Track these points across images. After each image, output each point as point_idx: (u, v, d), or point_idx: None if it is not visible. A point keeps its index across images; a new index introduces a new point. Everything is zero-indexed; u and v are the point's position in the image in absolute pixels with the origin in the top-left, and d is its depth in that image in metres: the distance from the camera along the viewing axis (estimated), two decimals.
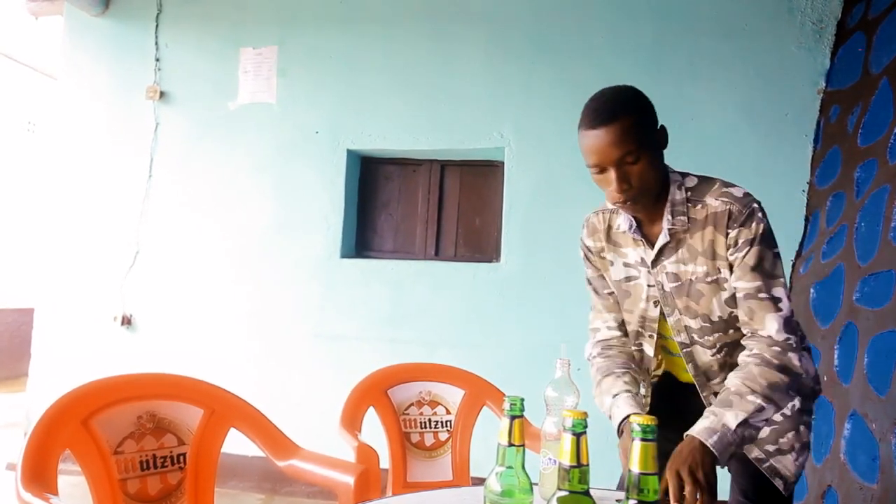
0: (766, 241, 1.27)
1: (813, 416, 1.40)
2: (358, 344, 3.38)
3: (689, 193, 1.33)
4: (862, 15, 2.89)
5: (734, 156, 3.05)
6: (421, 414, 2.05)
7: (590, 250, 1.50)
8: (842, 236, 2.58)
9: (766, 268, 1.26)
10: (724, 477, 1.23)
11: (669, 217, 1.32)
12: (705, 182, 1.34)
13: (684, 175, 1.36)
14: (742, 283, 1.28)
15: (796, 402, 1.36)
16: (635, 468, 0.82)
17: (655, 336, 1.42)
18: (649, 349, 1.44)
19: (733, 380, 1.25)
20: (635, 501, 0.81)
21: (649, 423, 0.81)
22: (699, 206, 1.31)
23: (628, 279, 1.43)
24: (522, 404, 0.94)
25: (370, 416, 1.94)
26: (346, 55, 3.53)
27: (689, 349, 1.39)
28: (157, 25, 3.73)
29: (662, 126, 1.32)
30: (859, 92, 2.75)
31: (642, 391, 1.46)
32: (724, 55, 3.13)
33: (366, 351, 3.33)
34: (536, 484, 1.08)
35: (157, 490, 1.41)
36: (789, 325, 1.26)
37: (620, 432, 1.31)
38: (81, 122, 3.77)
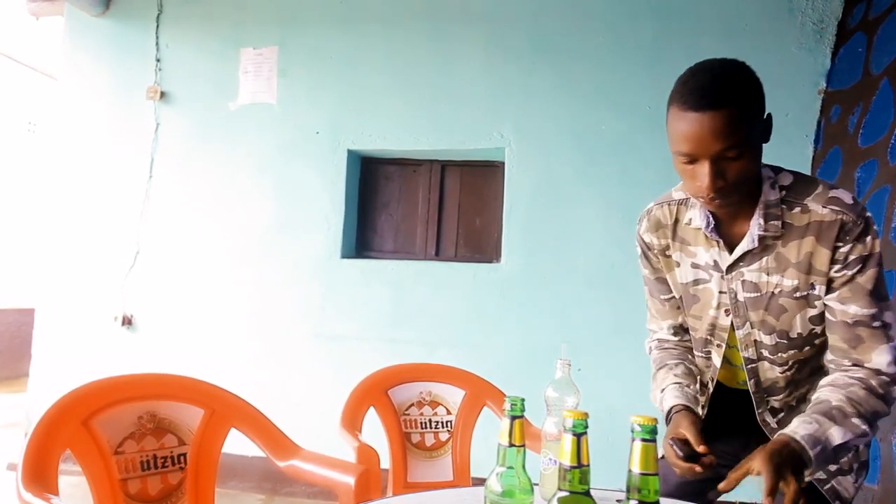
0: (880, 259, 1.13)
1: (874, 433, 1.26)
2: (358, 344, 3.38)
3: (783, 193, 1.17)
4: (863, 15, 2.89)
5: None
6: (421, 414, 2.05)
7: (650, 247, 1.34)
8: None
9: (881, 291, 1.13)
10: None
11: (761, 221, 1.15)
12: (804, 182, 1.18)
13: (777, 170, 1.20)
14: (854, 307, 1.12)
15: None
16: (636, 468, 0.81)
17: (724, 346, 1.28)
18: (717, 359, 1.30)
19: (836, 394, 1.12)
20: (636, 502, 0.81)
21: (649, 423, 0.81)
22: (797, 210, 1.14)
23: (696, 282, 1.28)
24: (523, 404, 0.94)
25: (370, 417, 1.94)
26: (347, 55, 3.54)
27: (754, 365, 1.26)
28: (157, 26, 3.73)
29: (769, 114, 1.15)
30: (860, 92, 2.75)
31: (701, 400, 1.34)
32: (724, 55, 3.11)
33: (366, 351, 3.34)
34: (537, 484, 1.07)
35: (157, 490, 1.41)
36: None
37: (668, 422, 1.25)
38: (82, 122, 3.78)
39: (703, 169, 1.09)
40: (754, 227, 1.16)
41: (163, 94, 3.68)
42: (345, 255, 3.48)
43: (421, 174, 3.65)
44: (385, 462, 1.81)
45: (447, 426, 2.06)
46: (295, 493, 3.32)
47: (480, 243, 3.57)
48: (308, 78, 3.57)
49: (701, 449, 1.14)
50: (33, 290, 4.38)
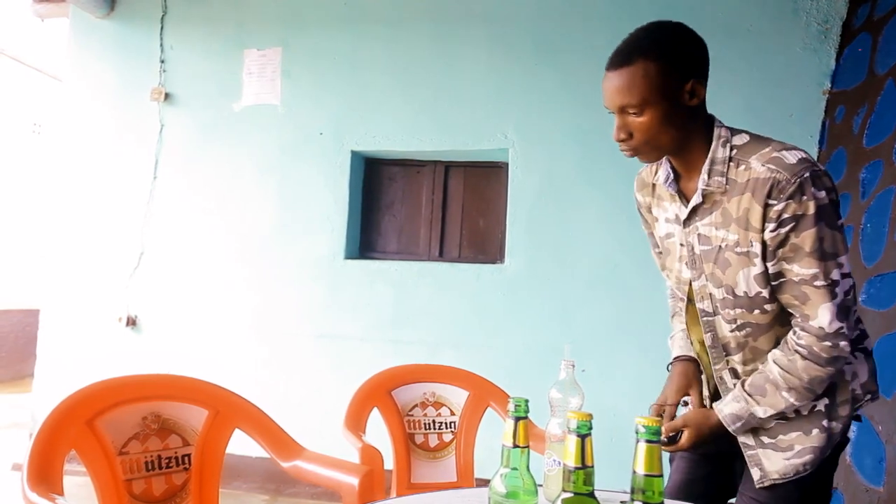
0: (825, 216, 1.13)
1: (841, 425, 1.26)
2: (362, 345, 3.38)
3: (733, 152, 1.20)
4: (867, 15, 2.88)
5: None
6: (425, 415, 2.05)
7: (640, 206, 1.45)
8: (847, 237, 2.57)
9: (825, 249, 1.13)
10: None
11: (706, 176, 1.22)
12: (757, 141, 1.21)
13: (736, 132, 1.24)
14: (797, 267, 1.15)
15: (819, 405, 1.25)
16: (640, 470, 0.81)
17: (686, 300, 1.35)
18: (684, 315, 1.38)
19: (774, 368, 1.22)
20: (641, 503, 0.81)
21: (654, 424, 0.81)
22: (742, 168, 1.19)
23: (668, 236, 1.36)
24: (527, 405, 0.93)
25: (374, 417, 1.94)
26: (350, 56, 3.54)
27: (710, 318, 1.30)
28: (161, 27, 3.74)
29: (698, 81, 1.20)
30: (865, 93, 2.74)
31: (705, 390, 1.41)
32: (729, 56, 3.12)
33: (369, 352, 3.34)
34: (541, 485, 1.07)
35: (162, 491, 1.41)
36: (842, 310, 1.15)
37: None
38: (86, 123, 3.79)
39: (615, 121, 1.22)
40: (700, 183, 1.24)
41: (167, 96, 3.69)
42: (348, 256, 3.48)
43: (424, 175, 3.65)
44: (389, 463, 1.81)
45: (451, 427, 2.06)
46: (298, 493, 3.32)
47: (484, 244, 3.57)
48: (311, 79, 3.58)
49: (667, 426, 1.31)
50: (38, 291, 4.40)
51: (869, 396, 1.30)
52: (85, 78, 3.82)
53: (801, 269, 1.15)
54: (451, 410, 2.07)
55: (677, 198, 1.30)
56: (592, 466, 0.84)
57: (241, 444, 1.63)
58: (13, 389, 5.74)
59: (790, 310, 1.22)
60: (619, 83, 1.18)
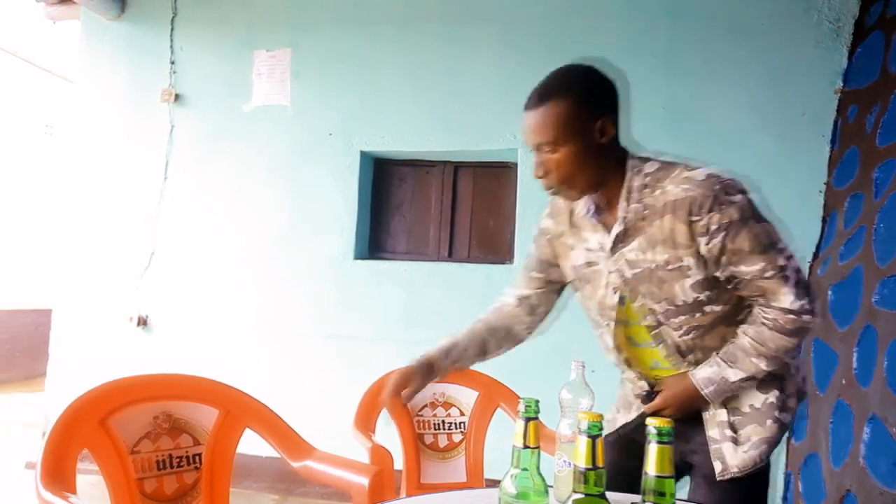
0: (750, 216, 1.22)
1: (790, 416, 1.35)
2: (371, 345, 3.38)
3: (647, 179, 1.28)
4: (880, 13, 2.85)
5: (750, 157, 3.02)
6: (434, 415, 2.05)
7: (546, 232, 1.48)
8: (860, 237, 2.55)
9: (762, 243, 1.22)
10: None
11: (625, 203, 1.29)
12: (666, 167, 1.29)
13: (645, 160, 1.31)
14: (744, 267, 1.22)
15: (770, 397, 1.32)
16: (652, 471, 0.81)
17: (613, 324, 1.37)
18: (608, 338, 1.40)
19: (743, 338, 1.27)
20: None
21: (666, 425, 0.81)
22: (658, 192, 1.26)
23: (589, 264, 1.39)
24: (537, 406, 0.93)
25: (384, 418, 1.94)
26: (359, 57, 3.54)
27: (657, 330, 1.34)
28: (172, 29, 3.76)
29: (607, 119, 1.27)
30: (878, 91, 2.72)
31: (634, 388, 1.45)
32: (740, 55, 3.10)
33: (379, 352, 3.34)
34: (552, 486, 1.07)
35: (173, 489, 1.42)
36: (800, 287, 1.23)
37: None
38: (98, 124, 3.82)
39: (534, 159, 1.30)
40: (620, 212, 1.30)
41: (177, 97, 3.71)
42: (357, 256, 3.49)
43: (434, 175, 3.66)
44: (398, 463, 1.81)
45: (460, 427, 2.06)
46: (308, 493, 3.33)
47: (493, 244, 3.56)
48: (321, 80, 3.58)
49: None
50: (50, 291, 4.44)
51: (803, 387, 1.40)
52: (96, 79, 3.85)
53: (748, 268, 1.22)
54: (460, 411, 2.07)
55: (600, 228, 1.35)
56: (604, 467, 0.83)
57: (252, 444, 1.63)
58: (26, 389, 5.79)
59: (754, 301, 1.28)
60: (533, 122, 1.27)
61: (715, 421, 1.34)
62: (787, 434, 1.38)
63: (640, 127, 3.15)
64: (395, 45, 3.51)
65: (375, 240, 3.67)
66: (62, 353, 3.74)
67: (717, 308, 1.29)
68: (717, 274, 1.25)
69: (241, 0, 3.71)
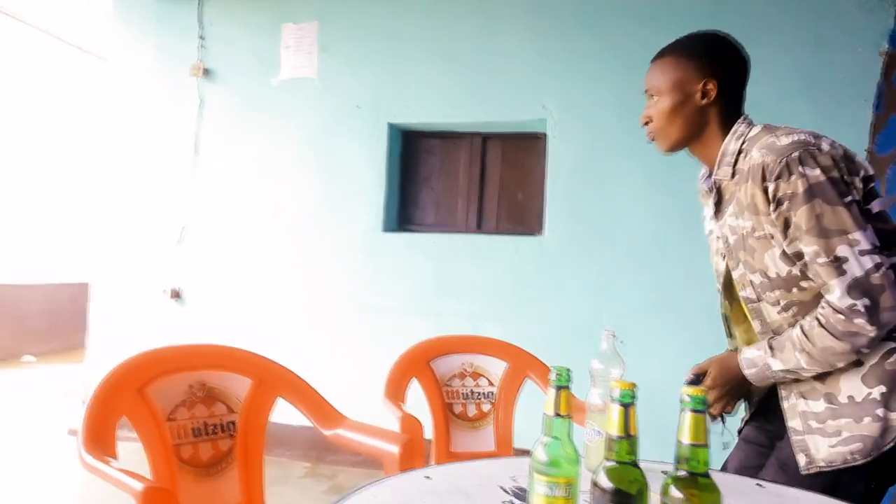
0: (819, 192, 1.14)
1: None
2: (401, 316, 3.40)
3: (744, 144, 1.28)
4: None
5: (789, 121, 2.90)
6: (463, 385, 2.06)
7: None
8: None
9: (823, 225, 1.14)
10: None
11: (716, 167, 1.32)
12: (765, 131, 1.26)
13: (752, 125, 1.31)
14: (802, 245, 1.17)
15: (874, 392, 1.17)
16: (685, 439, 0.80)
17: (721, 295, 1.41)
18: (720, 308, 1.43)
19: (796, 329, 1.22)
20: (685, 472, 0.80)
21: (700, 394, 0.79)
22: (747, 157, 1.25)
23: (709, 233, 1.43)
24: (569, 375, 0.92)
25: (414, 388, 1.96)
26: (386, 29, 3.51)
27: (755, 305, 1.31)
28: (200, 3, 3.76)
29: (712, 81, 1.29)
30: None
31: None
32: (780, 18, 2.99)
33: (409, 323, 3.36)
34: (582, 456, 1.07)
35: (208, 456, 1.46)
36: (857, 287, 1.12)
37: None
38: (129, 100, 3.86)
39: None
40: (714, 176, 1.34)
41: (206, 71, 3.72)
42: (386, 229, 3.49)
43: (462, 147, 3.63)
44: (428, 432, 1.83)
45: (489, 397, 2.06)
46: (340, 461, 3.40)
47: (522, 216, 3.53)
48: (348, 52, 3.56)
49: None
50: (87, 265, 4.55)
51: None
52: (126, 55, 3.88)
53: (805, 247, 1.18)
54: (489, 381, 2.08)
55: (709, 193, 1.38)
56: (636, 436, 0.82)
57: (284, 413, 1.66)
58: (67, 359, 5.98)
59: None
60: (651, 71, 1.36)
61: (796, 411, 1.26)
62: None
63: None
64: (422, 16, 3.46)
65: (404, 212, 3.67)
66: (100, 325, 3.85)
67: (815, 285, 1.21)
68: (785, 248, 1.20)
69: None
